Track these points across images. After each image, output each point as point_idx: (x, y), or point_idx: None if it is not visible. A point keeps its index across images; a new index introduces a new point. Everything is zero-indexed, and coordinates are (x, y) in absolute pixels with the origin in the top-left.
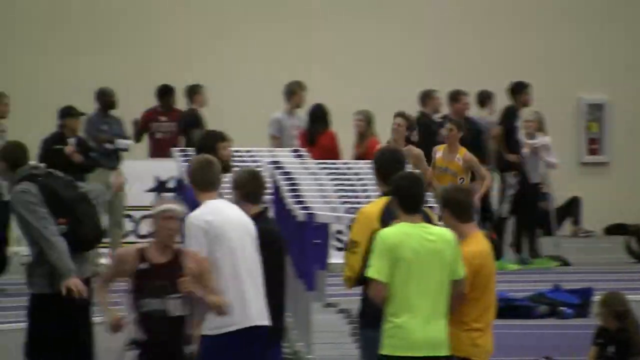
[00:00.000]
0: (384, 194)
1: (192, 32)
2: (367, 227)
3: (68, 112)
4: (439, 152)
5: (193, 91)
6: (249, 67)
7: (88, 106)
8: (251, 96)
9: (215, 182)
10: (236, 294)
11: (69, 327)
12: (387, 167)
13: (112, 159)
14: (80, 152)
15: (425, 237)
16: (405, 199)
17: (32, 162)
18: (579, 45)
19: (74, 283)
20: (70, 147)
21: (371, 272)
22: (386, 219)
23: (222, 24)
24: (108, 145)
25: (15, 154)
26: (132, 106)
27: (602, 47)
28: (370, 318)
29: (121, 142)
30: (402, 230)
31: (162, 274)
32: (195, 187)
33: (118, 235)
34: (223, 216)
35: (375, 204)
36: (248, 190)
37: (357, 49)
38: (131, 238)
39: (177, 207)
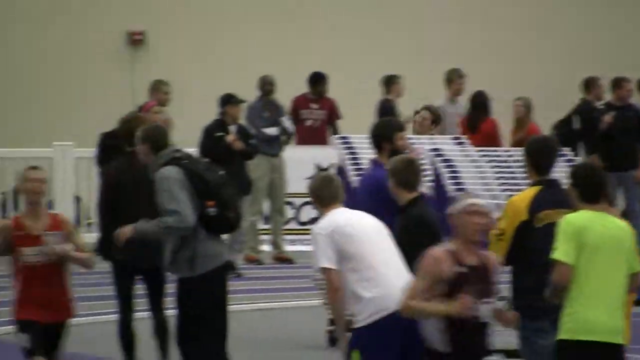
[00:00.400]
0: (535, 184)
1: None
2: (515, 217)
3: (228, 100)
4: None
5: (390, 81)
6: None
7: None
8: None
9: (337, 197)
10: (380, 283)
11: (213, 310)
12: (540, 156)
13: (273, 146)
14: (241, 139)
15: (607, 225)
16: (585, 188)
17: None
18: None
19: (125, 232)
20: (231, 135)
21: (557, 255)
22: (535, 209)
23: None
24: (270, 130)
25: (157, 136)
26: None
27: None
28: (525, 308)
29: (286, 121)
30: (586, 216)
31: (476, 277)
32: (318, 204)
33: (279, 222)
34: (345, 218)
35: (525, 194)
36: (403, 177)
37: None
38: (292, 225)
39: (482, 201)
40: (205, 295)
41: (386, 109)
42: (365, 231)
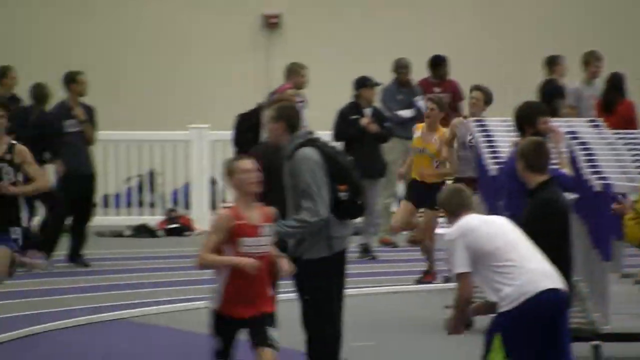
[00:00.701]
0: None
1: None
2: None
3: (363, 83)
4: (417, 131)
5: (553, 61)
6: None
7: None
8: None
9: (466, 206)
10: (521, 272)
11: (338, 289)
12: None
13: (408, 128)
14: (375, 122)
15: None
16: None
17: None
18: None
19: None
20: (366, 118)
21: None
22: None
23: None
24: (404, 113)
25: (292, 115)
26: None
27: None
28: None
29: (420, 102)
30: None
31: None
32: (448, 215)
33: None
34: (476, 219)
35: None
36: (531, 160)
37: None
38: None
39: None
40: (334, 275)
41: (555, 89)
42: (498, 228)
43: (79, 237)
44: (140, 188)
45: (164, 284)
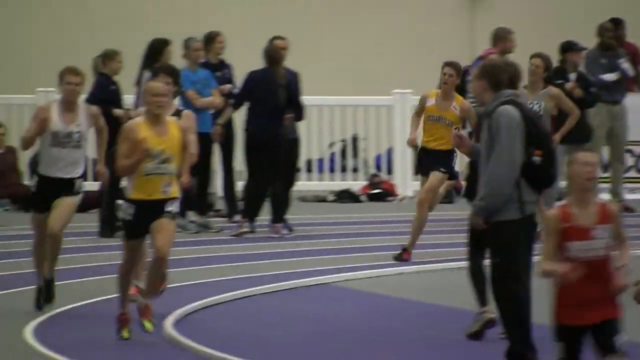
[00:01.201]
0: None
1: None
2: None
3: (569, 47)
4: (430, 99)
5: None
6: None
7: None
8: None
9: None
10: None
11: (529, 255)
12: None
13: (613, 93)
14: (580, 87)
15: None
16: None
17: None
18: None
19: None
20: (571, 83)
21: None
22: None
23: None
24: (608, 77)
25: (497, 72)
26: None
27: None
28: None
29: (624, 64)
30: None
31: None
32: None
33: (619, 170)
34: None
35: None
36: None
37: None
38: (631, 173)
39: None
40: (523, 238)
41: None
42: None
43: (282, 202)
44: (343, 153)
45: (366, 249)
